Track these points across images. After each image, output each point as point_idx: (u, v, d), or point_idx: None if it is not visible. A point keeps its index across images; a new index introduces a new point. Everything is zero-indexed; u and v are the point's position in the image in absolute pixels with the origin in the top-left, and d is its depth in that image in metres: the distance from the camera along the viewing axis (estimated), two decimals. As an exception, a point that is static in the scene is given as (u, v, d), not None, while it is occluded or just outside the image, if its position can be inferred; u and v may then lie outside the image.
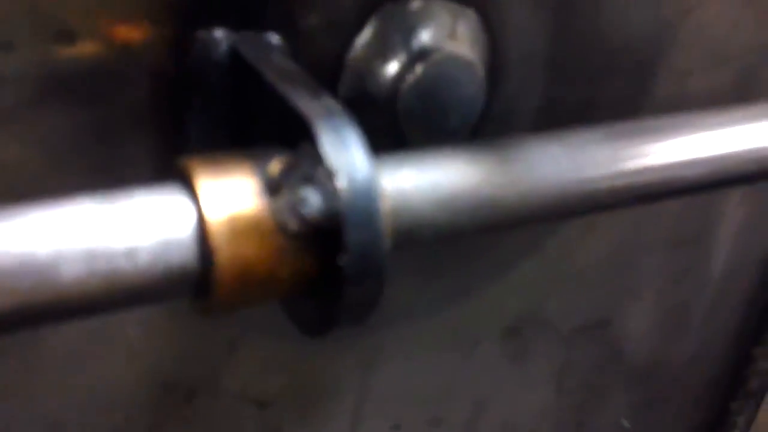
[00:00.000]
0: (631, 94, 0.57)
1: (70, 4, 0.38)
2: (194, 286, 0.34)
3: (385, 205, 0.35)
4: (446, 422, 0.68)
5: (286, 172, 0.34)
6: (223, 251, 0.33)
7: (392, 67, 0.46)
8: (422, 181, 0.38)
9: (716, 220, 0.72)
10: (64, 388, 0.49)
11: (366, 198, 0.33)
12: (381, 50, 0.46)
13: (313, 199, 0.33)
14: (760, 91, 0.63)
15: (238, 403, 0.56)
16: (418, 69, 0.45)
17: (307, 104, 0.35)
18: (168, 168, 0.42)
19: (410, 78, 0.45)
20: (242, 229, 0.33)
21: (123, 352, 0.50)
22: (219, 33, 0.42)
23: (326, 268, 0.35)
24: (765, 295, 0.80)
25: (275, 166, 0.35)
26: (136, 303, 0.33)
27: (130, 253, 0.32)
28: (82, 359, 0.48)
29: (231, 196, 0.34)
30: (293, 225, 0.34)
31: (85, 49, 0.40)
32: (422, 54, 0.45)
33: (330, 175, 0.33)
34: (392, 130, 0.46)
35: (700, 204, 0.69)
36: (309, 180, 0.34)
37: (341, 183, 0.33)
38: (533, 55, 0.52)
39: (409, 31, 0.46)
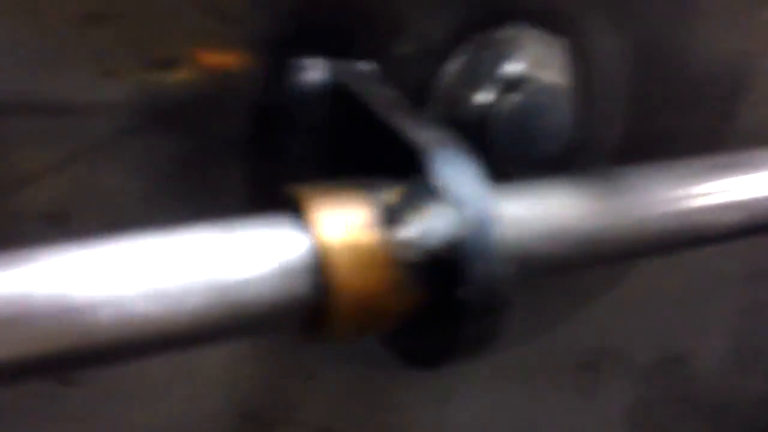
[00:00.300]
0: (713, 126, 0.57)
1: (173, 33, 0.38)
2: (309, 317, 0.34)
3: (504, 237, 0.34)
4: (518, 458, 0.67)
5: (402, 203, 0.34)
6: (341, 282, 0.32)
7: (482, 96, 0.45)
8: (534, 213, 0.37)
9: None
10: (149, 418, 0.48)
11: (487, 230, 0.33)
12: (470, 78, 0.45)
13: (432, 231, 0.33)
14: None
15: (315, 434, 0.55)
16: (510, 98, 0.44)
17: (420, 134, 0.35)
18: (259, 197, 0.42)
19: (501, 107, 0.44)
20: (360, 260, 0.33)
21: (206, 382, 0.49)
22: (315, 61, 0.41)
23: (441, 300, 0.34)
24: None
25: (389, 196, 0.34)
26: (252, 333, 0.33)
27: (248, 284, 0.32)
28: (167, 389, 0.48)
29: (347, 226, 0.33)
30: (411, 256, 0.33)
31: (185, 76, 0.40)
32: (514, 83, 0.45)
33: (451, 206, 0.33)
34: (479, 160, 0.45)
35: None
36: (426, 211, 0.33)
37: (463, 214, 0.32)
38: (617, 85, 0.51)
39: (499, 59, 0.45)
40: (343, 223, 0.33)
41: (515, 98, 0.44)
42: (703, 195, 0.41)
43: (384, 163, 0.37)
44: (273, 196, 0.36)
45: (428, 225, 0.33)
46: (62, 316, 0.29)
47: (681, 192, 0.41)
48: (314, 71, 0.41)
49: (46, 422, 0.46)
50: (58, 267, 0.29)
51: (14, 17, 0.35)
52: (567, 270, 0.38)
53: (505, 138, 0.45)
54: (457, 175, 0.33)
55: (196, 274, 0.31)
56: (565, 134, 0.46)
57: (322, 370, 0.53)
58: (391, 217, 0.34)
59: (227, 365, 0.49)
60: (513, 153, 0.46)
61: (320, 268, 0.33)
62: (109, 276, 0.30)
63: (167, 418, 0.49)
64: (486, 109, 0.45)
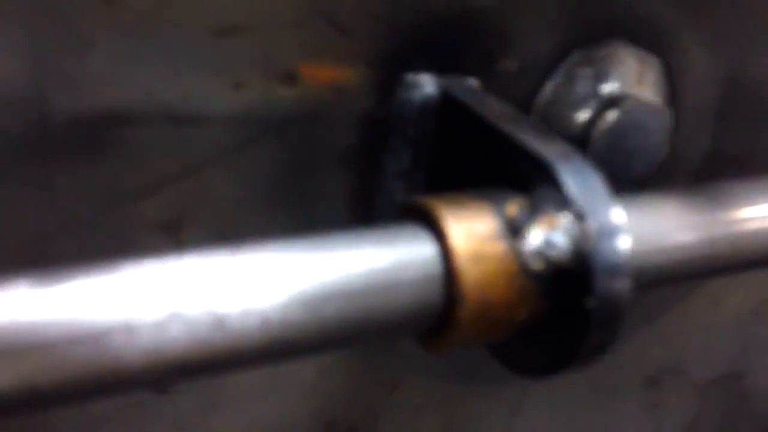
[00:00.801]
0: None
1: (297, 45, 0.39)
2: (435, 325, 0.34)
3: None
4: (580, 473, 0.67)
5: (527, 214, 0.35)
6: (471, 290, 0.33)
7: (581, 113, 0.46)
8: (649, 226, 0.38)
9: None
10: (240, 427, 0.49)
11: (614, 242, 0.33)
12: (570, 95, 0.46)
13: (559, 242, 0.34)
14: None
15: (394, 446, 0.56)
16: (610, 115, 0.45)
17: (542, 146, 0.36)
18: (368, 208, 0.43)
19: (602, 124, 0.45)
20: (488, 270, 0.34)
21: (295, 392, 0.50)
22: (425, 77, 0.42)
23: (565, 310, 0.35)
24: None
25: (513, 207, 0.35)
26: (380, 339, 0.34)
27: (384, 291, 0.33)
28: (261, 398, 0.49)
29: (476, 236, 0.34)
30: (538, 266, 0.34)
31: (304, 89, 0.41)
32: (613, 100, 0.46)
33: (579, 217, 0.33)
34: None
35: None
36: (554, 222, 0.34)
37: (591, 226, 0.33)
38: (706, 103, 0.52)
39: (598, 77, 0.46)
40: (471, 233, 0.34)
41: (613, 115, 0.45)
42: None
43: (501, 174, 0.38)
44: (399, 206, 0.37)
45: (553, 237, 0.34)
46: (206, 319, 0.30)
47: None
48: (425, 86, 0.42)
49: (140, 430, 0.47)
50: (201, 273, 0.30)
51: (151, 27, 0.36)
52: (676, 282, 0.39)
53: (604, 155, 0.45)
54: (585, 187, 0.34)
55: (334, 283, 0.32)
56: (661, 152, 0.47)
57: (405, 380, 0.54)
58: (518, 227, 0.34)
59: (316, 376, 0.50)
60: (611, 171, 0.46)
61: (452, 276, 0.33)
62: (250, 284, 0.31)
63: (257, 427, 0.50)
64: (586, 127, 0.45)
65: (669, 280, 0.38)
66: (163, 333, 0.29)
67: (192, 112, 0.38)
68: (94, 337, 0.27)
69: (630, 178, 0.47)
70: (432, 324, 0.34)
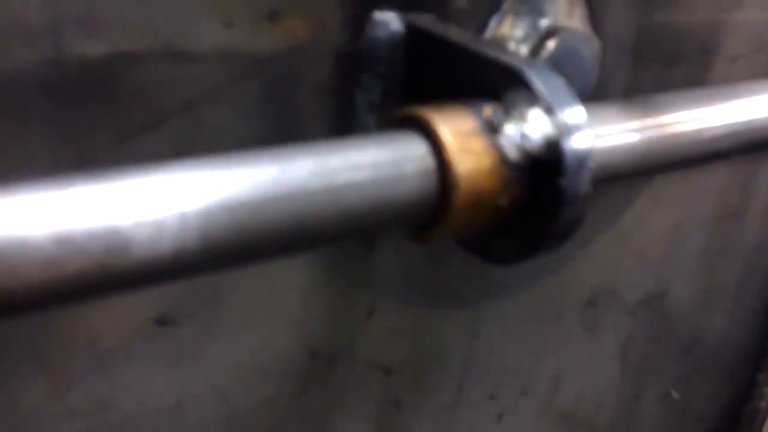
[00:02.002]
0: (694, 77, 0.65)
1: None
2: (432, 212, 0.39)
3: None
4: (532, 393, 0.73)
5: (502, 114, 0.40)
6: (462, 179, 0.38)
7: (525, 44, 0.52)
8: (609, 125, 0.44)
9: (750, 194, 0.80)
10: (234, 353, 0.52)
11: (581, 129, 0.39)
12: (513, 30, 0.52)
13: (532, 133, 0.39)
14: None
15: (369, 370, 0.60)
16: (550, 44, 0.51)
17: (509, 57, 0.41)
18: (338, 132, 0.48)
19: (543, 53, 0.51)
20: (475, 161, 0.39)
21: (283, 319, 0.54)
22: (390, 14, 0.47)
23: (539, 197, 0.40)
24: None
25: (489, 109, 0.41)
26: (387, 227, 0.38)
27: (390, 182, 0.37)
28: (254, 328, 0.52)
29: (462, 133, 0.39)
30: (515, 157, 0.39)
31: (287, 29, 0.45)
32: (550, 32, 0.52)
33: (548, 111, 0.39)
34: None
35: (738, 180, 0.78)
36: (526, 118, 0.40)
37: (560, 117, 0.39)
38: (623, 40, 0.59)
39: (535, 13, 0.52)
40: (458, 130, 0.39)
41: (552, 44, 0.51)
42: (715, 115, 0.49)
43: (472, 89, 0.43)
44: (389, 118, 0.42)
45: (529, 128, 0.39)
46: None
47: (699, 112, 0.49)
48: (391, 22, 0.47)
49: (142, 360, 0.49)
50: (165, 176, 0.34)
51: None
52: (622, 177, 0.46)
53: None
54: (552, 86, 0.40)
55: (343, 178, 0.36)
56: (594, 77, 0.54)
57: (380, 307, 0.58)
58: (495, 125, 0.40)
59: (299, 305, 0.54)
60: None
61: (443, 169, 0.38)
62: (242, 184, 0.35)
63: (248, 355, 0.53)
64: (528, 56, 0.51)
65: (617, 174, 0.44)
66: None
67: (189, 50, 0.41)
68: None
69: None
70: (429, 213, 0.39)
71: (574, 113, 0.40)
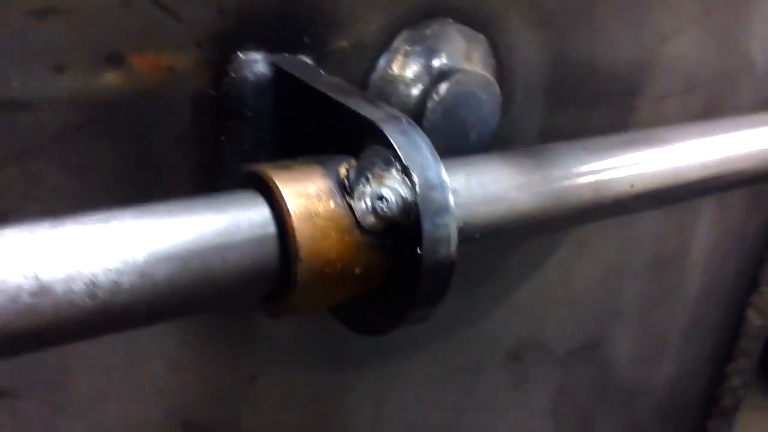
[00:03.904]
0: (618, 118, 0.61)
1: (122, 28, 0.39)
2: (276, 285, 0.34)
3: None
4: (453, 455, 0.68)
5: (357, 173, 0.35)
6: (306, 247, 0.33)
7: (415, 88, 0.47)
8: (474, 182, 0.39)
9: (690, 240, 0.75)
10: (89, 429, 0.47)
11: (439, 192, 0.35)
12: (402, 71, 0.48)
13: (389, 195, 0.34)
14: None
15: (258, 442, 0.55)
16: (442, 88, 0.47)
17: (370, 110, 0.37)
18: (212, 188, 0.43)
19: (435, 96, 0.47)
20: (322, 226, 0.34)
21: (148, 389, 0.49)
22: (256, 55, 0.43)
23: (398, 263, 0.36)
24: (737, 312, 0.84)
25: (344, 168, 0.36)
26: (221, 299, 0.33)
27: (217, 253, 0.32)
28: (108, 397, 0.47)
29: (308, 196, 0.34)
30: (370, 221, 0.35)
31: (133, 72, 0.40)
32: (444, 74, 0.47)
33: (405, 172, 0.34)
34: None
35: (676, 225, 0.73)
36: (382, 178, 0.35)
37: (417, 179, 0.34)
38: (534, 81, 0.55)
39: (428, 53, 0.48)
40: (302, 193, 0.34)
41: (445, 87, 0.47)
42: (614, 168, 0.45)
43: (336, 141, 0.38)
44: (233, 176, 0.37)
45: (383, 191, 0.34)
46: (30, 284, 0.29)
47: (594, 165, 0.44)
48: (258, 64, 0.42)
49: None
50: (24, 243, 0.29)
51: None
52: (504, 234, 0.41)
53: (440, 126, 0.47)
54: (410, 145, 0.35)
55: (164, 245, 0.31)
56: (494, 122, 0.49)
57: (265, 373, 0.53)
58: (349, 185, 0.35)
59: (166, 372, 0.49)
60: (447, 141, 0.48)
61: (287, 235, 0.34)
62: (76, 251, 0.30)
63: (109, 428, 0.48)
64: (421, 99, 0.47)
65: (497, 231, 0.40)
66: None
67: (12, 97, 0.37)
68: None
69: (468, 147, 0.49)
70: (272, 286, 0.34)
71: (434, 173, 0.35)
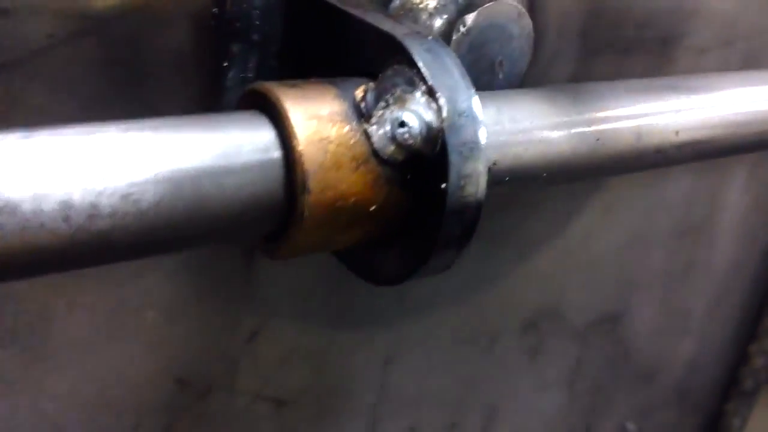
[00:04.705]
0: (654, 69, 0.56)
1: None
2: (279, 219, 0.30)
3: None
4: (461, 427, 0.64)
5: (376, 96, 0.31)
6: (315, 175, 0.29)
7: (440, 17, 0.43)
8: (507, 117, 0.35)
9: (720, 209, 0.71)
10: (73, 382, 0.43)
11: (470, 120, 0.30)
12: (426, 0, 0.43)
13: (411, 121, 0.30)
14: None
15: (255, 402, 0.51)
16: (469, 19, 0.42)
17: (392, 26, 0.32)
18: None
19: (461, 28, 0.42)
20: (334, 153, 0.30)
21: (139, 342, 0.44)
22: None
23: (419, 201, 0.31)
24: (765, 290, 0.79)
25: (362, 90, 0.31)
26: (218, 233, 0.29)
27: (216, 178, 0.28)
28: (94, 349, 0.43)
29: (319, 118, 0.30)
30: (389, 150, 0.30)
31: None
32: (472, 4, 0.43)
33: (430, 95, 0.30)
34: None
35: (705, 191, 0.69)
36: (403, 102, 0.30)
37: (444, 103, 0.30)
38: (568, 21, 0.50)
39: (455, -18, 0.43)
40: (313, 114, 0.30)
41: (472, 18, 0.42)
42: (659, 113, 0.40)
43: (353, 67, 0.34)
44: (239, 97, 0.32)
45: (405, 116, 0.30)
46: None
47: (638, 108, 0.40)
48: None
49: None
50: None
51: None
52: (537, 182, 0.36)
53: (465, 60, 0.42)
54: (438, 65, 0.30)
55: (151, 165, 0.27)
56: (524, 60, 0.45)
57: (265, 330, 0.49)
58: (366, 109, 0.31)
59: (158, 324, 0.45)
60: (474, 77, 0.43)
61: (291, 162, 0.29)
62: (50, 166, 0.25)
63: (95, 384, 0.44)
64: (444, 31, 0.42)
65: (528, 174, 0.35)
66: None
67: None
68: None
69: (495, 88, 0.44)
70: (275, 221, 0.30)
71: (465, 98, 0.30)
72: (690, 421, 0.87)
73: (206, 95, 0.40)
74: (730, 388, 0.85)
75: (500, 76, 0.44)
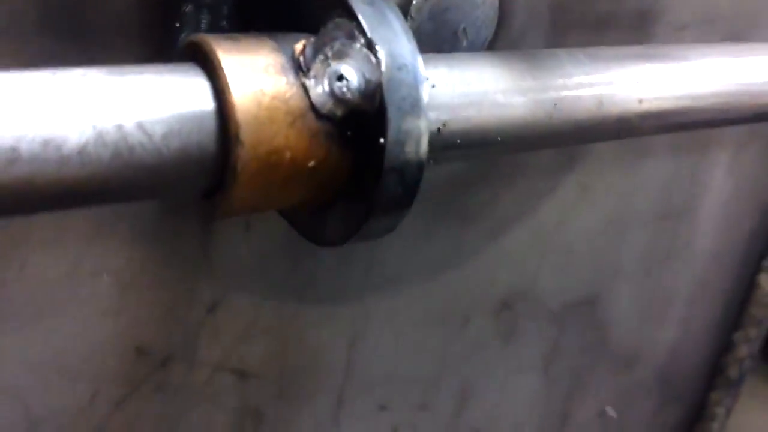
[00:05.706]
0: (630, 44, 0.55)
1: None
2: (215, 171, 0.29)
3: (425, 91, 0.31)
4: (433, 408, 0.64)
5: (315, 49, 0.30)
6: (249, 128, 0.28)
7: (401, -15, 0.42)
8: (458, 78, 0.34)
9: (703, 192, 0.70)
10: (26, 345, 0.42)
11: (410, 73, 0.29)
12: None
13: (349, 74, 0.29)
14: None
15: (217, 373, 0.50)
16: (430, -15, 0.41)
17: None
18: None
19: (421, -4, 0.41)
20: (269, 106, 0.29)
21: (94, 309, 0.44)
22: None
23: (359, 159, 0.31)
24: (749, 276, 0.78)
25: (301, 43, 0.31)
26: (148, 186, 0.28)
27: (144, 126, 0.27)
28: (46, 315, 0.42)
29: (254, 69, 0.29)
30: (328, 105, 0.30)
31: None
32: (434, -29, 0.42)
33: (369, 47, 0.29)
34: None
35: (687, 173, 0.68)
36: (342, 56, 0.30)
37: (383, 56, 0.29)
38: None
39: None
40: (247, 65, 0.29)
41: (434, -15, 0.41)
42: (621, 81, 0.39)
43: (301, 22, 0.33)
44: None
45: (344, 70, 0.29)
46: None
47: (599, 76, 0.39)
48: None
49: None
50: None
51: None
52: (488, 148, 0.36)
53: (426, 27, 0.42)
54: (378, 16, 0.30)
55: (74, 109, 0.26)
56: (488, 30, 0.44)
57: (226, 300, 0.48)
58: (304, 63, 0.30)
59: (114, 291, 0.44)
60: (433, 46, 0.43)
61: (226, 115, 0.28)
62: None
63: (47, 351, 0.43)
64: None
65: (482, 139, 0.35)
66: None
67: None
68: None
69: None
70: (210, 177, 0.29)
71: (405, 52, 0.30)
72: (673, 410, 0.86)
73: (158, 56, 0.39)
74: (714, 377, 0.84)
75: (464, 44, 0.44)
